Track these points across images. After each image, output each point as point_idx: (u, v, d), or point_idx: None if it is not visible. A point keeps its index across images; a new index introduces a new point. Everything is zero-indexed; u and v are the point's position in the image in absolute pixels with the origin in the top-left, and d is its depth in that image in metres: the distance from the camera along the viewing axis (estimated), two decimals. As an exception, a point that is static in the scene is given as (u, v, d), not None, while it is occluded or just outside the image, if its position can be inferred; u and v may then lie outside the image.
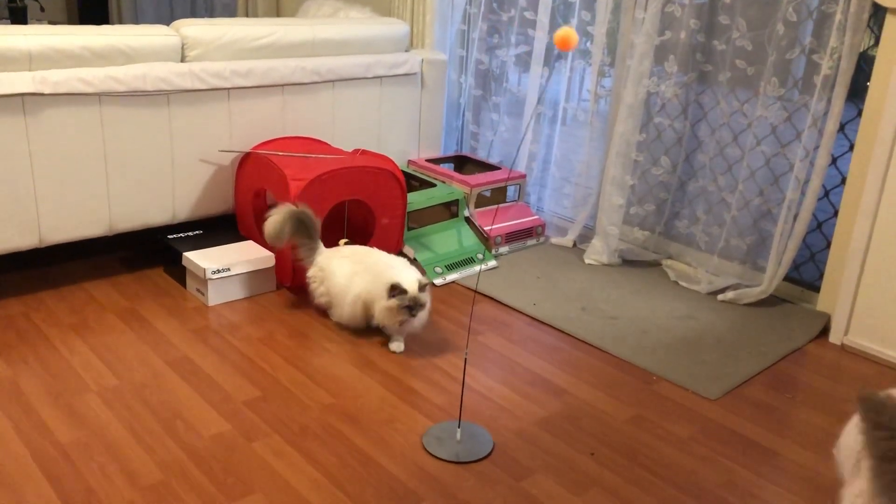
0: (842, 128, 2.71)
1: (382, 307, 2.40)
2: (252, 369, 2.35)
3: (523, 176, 3.52)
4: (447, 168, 3.63)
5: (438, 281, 3.01)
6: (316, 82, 3.16)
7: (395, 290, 2.38)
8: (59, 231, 2.68)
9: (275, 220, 2.54)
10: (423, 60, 3.51)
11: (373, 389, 2.28)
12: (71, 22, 6.54)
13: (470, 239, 3.24)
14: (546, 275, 3.14)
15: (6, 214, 2.55)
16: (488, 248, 3.28)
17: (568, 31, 1.81)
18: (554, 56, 3.50)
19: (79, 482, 1.83)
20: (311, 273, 2.64)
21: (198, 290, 2.78)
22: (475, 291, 2.96)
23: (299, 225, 2.59)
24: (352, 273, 2.54)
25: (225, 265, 2.71)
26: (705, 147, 3.08)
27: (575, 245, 3.45)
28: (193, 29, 2.86)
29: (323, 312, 2.71)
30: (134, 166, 2.78)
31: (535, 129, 3.58)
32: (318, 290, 2.62)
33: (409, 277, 2.41)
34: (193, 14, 5.76)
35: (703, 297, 3.01)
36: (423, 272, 3.02)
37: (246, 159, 2.99)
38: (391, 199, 2.94)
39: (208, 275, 2.68)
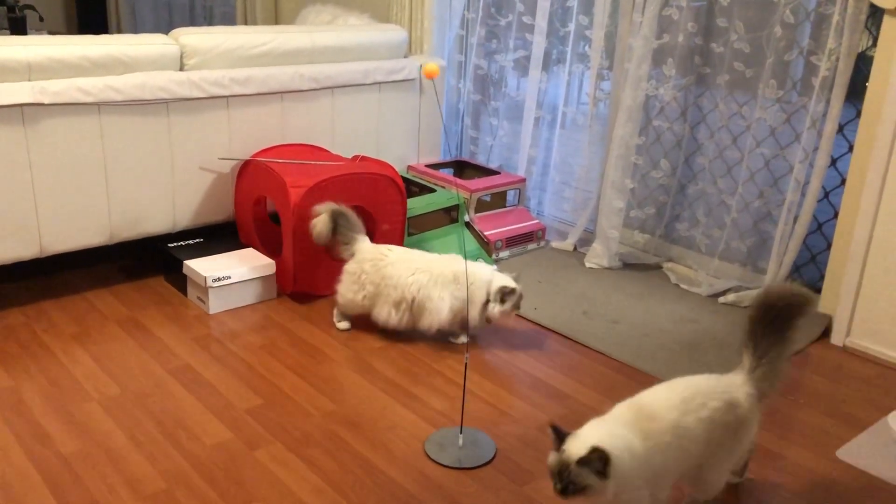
0: (841, 129, 2.71)
1: (497, 312, 2.48)
2: (253, 377, 2.35)
3: (523, 180, 3.52)
4: (447, 173, 3.63)
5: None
6: (315, 89, 3.16)
7: (507, 292, 2.48)
8: (60, 241, 2.68)
9: (322, 219, 2.54)
10: (421, 66, 3.51)
11: (374, 396, 2.28)
12: (70, 31, 6.56)
13: (470, 244, 3.24)
14: (547, 279, 3.14)
15: (7, 225, 2.56)
16: (488, 253, 3.28)
17: (431, 67, 1.95)
18: (553, 61, 3.50)
19: (81, 492, 1.83)
20: (351, 268, 2.58)
21: (199, 298, 2.78)
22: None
23: (341, 223, 2.57)
24: (418, 284, 2.49)
25: (226, 273, 2.71)
26: (704, 149, 3.08)
27: (575, 249, 3.45)
28: (192, 37, 2.87)
29: (323, 316, 2.71)
30: (134, 175, 2.78)
31: (534, 134, 3.58)
32: (359, 287, 2.56)
33: (505, 278, 2.52)
34: (192, 22, 5.77)
35: (704, 299, 3.00)
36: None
37: (245, 167, 2.99)
38: (391, 204, 2.95)
39: (209, 283, 2.68)
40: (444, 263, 2.54)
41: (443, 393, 2.32)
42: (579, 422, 2.19)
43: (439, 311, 2.49)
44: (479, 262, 2.61)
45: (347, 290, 2.59)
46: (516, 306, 2.51)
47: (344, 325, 2.67)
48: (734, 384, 1.77)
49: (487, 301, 2.50)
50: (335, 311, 2.70)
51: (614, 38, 3.19)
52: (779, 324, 1.75)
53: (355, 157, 3.15)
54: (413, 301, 2.50)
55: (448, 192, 3.32)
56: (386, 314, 2.53)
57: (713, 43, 2.96)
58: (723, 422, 1.70)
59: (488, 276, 2.51)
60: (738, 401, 1.73)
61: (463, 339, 2.61)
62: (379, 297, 2.54)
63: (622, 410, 1.68)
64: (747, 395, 1.75)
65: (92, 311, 2.72)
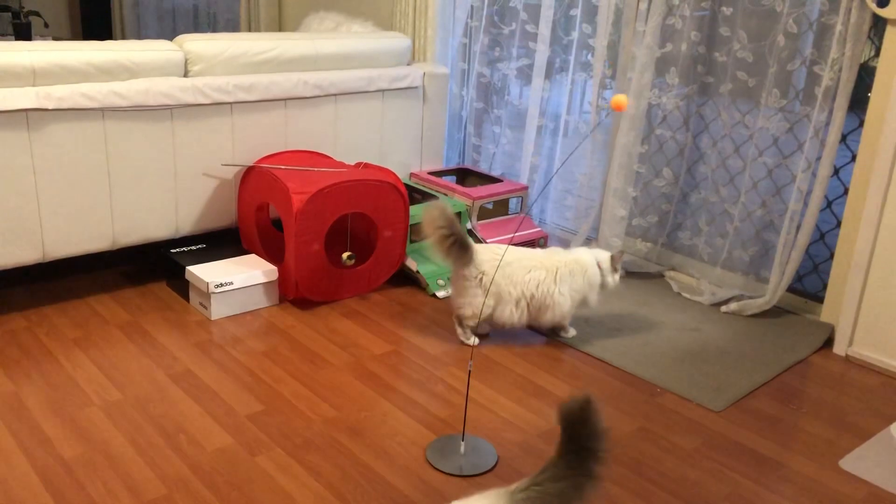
0: (843, 138, 2.71)
1: (617, 279, 2.66)
2: (255, 383, 2.35)
3: (525, 188, 3.52)
4: (449, 181, 3.63)
5: (441, 294, 3.01)
6: (318, 96, 3.17)
7: (616, 259, 2.65)
8: (63, 246, 2.68)
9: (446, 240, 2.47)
10: (424, 74, 3.52)
11: (376, 402, 2.28)
12: (75, 37, 6.59)
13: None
14: (549, 287, 3.13)
15: (10, 229, 2.56)
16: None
17: (619, 98, 2.00)
18: (556, 69, 3.51)
19: (82, 497, 1.82)
20: (471, 273, 2.52)
21: (201, 304, 2.78)
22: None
23: (457, 246, 2.48)
24: (536, 280, 2.54)
25: (228, 279, 2.71)
26: (707, 158, 3.09)
27: (577, 257, 3.45)
28: (196, 44, 2.88)
29: (324, 322, 2.71)
30: (137, 181, 2.79)
31: (536, 142, 3.59)
32: (482, 291, 2.54)
33: (597, 251, 2.69)
34: (196, 29, 5.79)
35: (706, 308, 3.00)
36: (425, 285, 3.02)
37: (249, 173, 3.00)
38: (393, 211, 2.95)
39: (211, 288, 2.68)
40: (556, 258, 2.59)
41: (444, 400, 2.31)
42: (581, 430, 2.19)
43: (562, 305, 2.57)
44: (578, 249, 2.68)
45: (474, 296, 2.54)
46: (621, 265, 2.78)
47: (474, 340, 2.64)
48: None
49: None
50: (461, 329, 2.65)
51: (617, 47, 3.20)
52: (576, 451, 1.44)
53: (358, 164, 3.16)
54: (532, 298, 2.54)
55: (450, 199, 3.33)
56: (508, 314, 2.55)
57: (716, 52, 2.97)
58: None
59: (592, 257, 2.63)
60: None
61: (572, 332, 2.72)
62: (500, 298, 2.55)
63: None
64: None
65: (94, 315, 2.72)
